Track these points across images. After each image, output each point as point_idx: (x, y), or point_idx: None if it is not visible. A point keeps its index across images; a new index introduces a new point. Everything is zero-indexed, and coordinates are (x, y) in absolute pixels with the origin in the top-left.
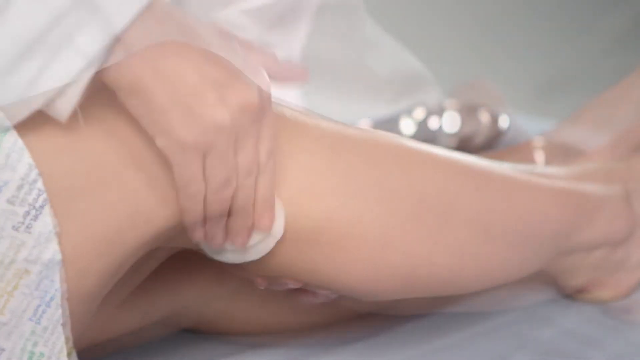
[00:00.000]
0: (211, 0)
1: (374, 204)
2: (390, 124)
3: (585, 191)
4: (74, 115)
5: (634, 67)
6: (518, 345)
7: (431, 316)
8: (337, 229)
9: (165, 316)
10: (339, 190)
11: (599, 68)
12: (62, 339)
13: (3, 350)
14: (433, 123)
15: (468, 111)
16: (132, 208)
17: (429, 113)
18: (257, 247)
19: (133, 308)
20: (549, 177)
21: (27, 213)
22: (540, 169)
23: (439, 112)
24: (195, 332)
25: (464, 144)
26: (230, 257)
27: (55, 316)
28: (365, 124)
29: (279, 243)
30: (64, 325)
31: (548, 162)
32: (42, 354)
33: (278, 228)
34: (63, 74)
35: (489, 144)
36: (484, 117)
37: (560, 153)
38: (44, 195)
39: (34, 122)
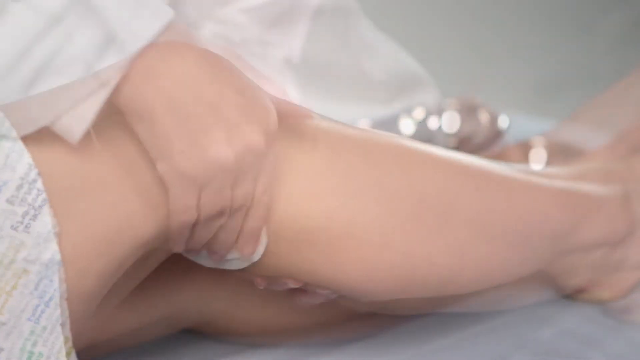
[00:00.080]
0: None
1: (373, 204)
2: (389, 124)
3: (585, 191)
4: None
5: (634, 67)
6: (518, 345)
7: (431, 316)
8: (336, 229)
9: (165, 316)
10: (338, 190)
11: (599, 68)
12: (61, 338)
13: (2, 350)
14: (432, 123)
15: (467, 111)
16: (131, 208)
17: (429, 113)
18: (233, 262)
19: (133, 308)
20: (548, 177)
21: (26, 213)
22: (540, 169)
23: (439, 112)
24: (195, 332)
25: (463, 144)
26: (205, 262)
27: (54, 316)
28: (364, 124)
29: (279, 243)
30: (63, 325)
31: (548, 162)
32: (41, 354)
33: (257, 254)
34: (78, 95)
35: (489, 144)
36: (484, 117)
37: (560, 153)
38: (44, 195)
39: None
